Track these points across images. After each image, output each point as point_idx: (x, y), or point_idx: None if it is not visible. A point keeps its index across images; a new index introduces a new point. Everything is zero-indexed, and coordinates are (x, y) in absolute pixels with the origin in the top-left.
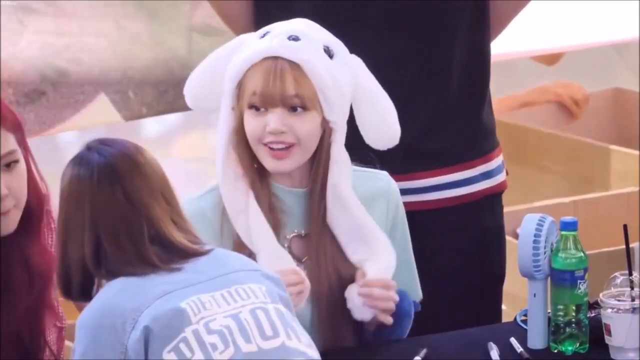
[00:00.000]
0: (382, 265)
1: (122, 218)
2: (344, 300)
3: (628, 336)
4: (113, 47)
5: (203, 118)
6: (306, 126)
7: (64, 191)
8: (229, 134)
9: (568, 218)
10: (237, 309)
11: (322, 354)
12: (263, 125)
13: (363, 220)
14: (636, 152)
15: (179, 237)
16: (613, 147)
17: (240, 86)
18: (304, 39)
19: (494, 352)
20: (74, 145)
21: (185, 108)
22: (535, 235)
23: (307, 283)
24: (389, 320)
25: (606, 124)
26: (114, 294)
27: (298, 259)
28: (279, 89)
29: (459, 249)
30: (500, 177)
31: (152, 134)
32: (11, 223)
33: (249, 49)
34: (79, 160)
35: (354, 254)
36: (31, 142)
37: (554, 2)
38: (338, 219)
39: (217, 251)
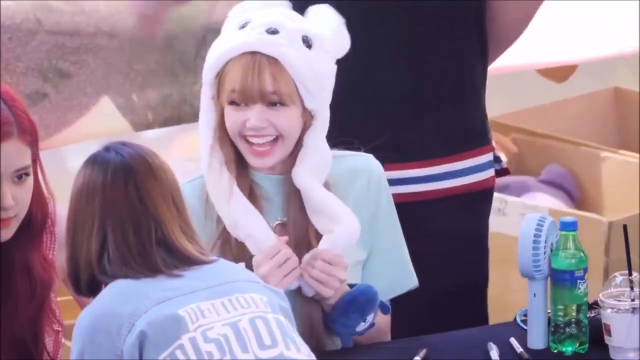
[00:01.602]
0: (336, 239)
1: (131, 217)
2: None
3: (628, 336)
4: (123, 49)
5: None
6: (286, 121)
7: (76, 186)
8: (212, 125)
9: (568, 218)
10: (236, 317)
11: (318, 353)
12: (243, 120)
13: (324, 197)
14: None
15: (185, 244)
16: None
17: (219, 77)
18: (282, 31)
19: (494, 352)
20: (78, 151)
21: (189, 114)
22: (535, 235)
23: (296, 259)
24: (327, 292)
25: (606, 124)
26: (112, 296)
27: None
28: (257, 85)
29: (434, 252)
30: (479, 177)
31: (152, 134)
32: (10, 232)
33: (228, 40)
34: (93, 159)
35: (319, 227)
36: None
37: (557, 16)
38: (307, 204)
39: (221, 262)
